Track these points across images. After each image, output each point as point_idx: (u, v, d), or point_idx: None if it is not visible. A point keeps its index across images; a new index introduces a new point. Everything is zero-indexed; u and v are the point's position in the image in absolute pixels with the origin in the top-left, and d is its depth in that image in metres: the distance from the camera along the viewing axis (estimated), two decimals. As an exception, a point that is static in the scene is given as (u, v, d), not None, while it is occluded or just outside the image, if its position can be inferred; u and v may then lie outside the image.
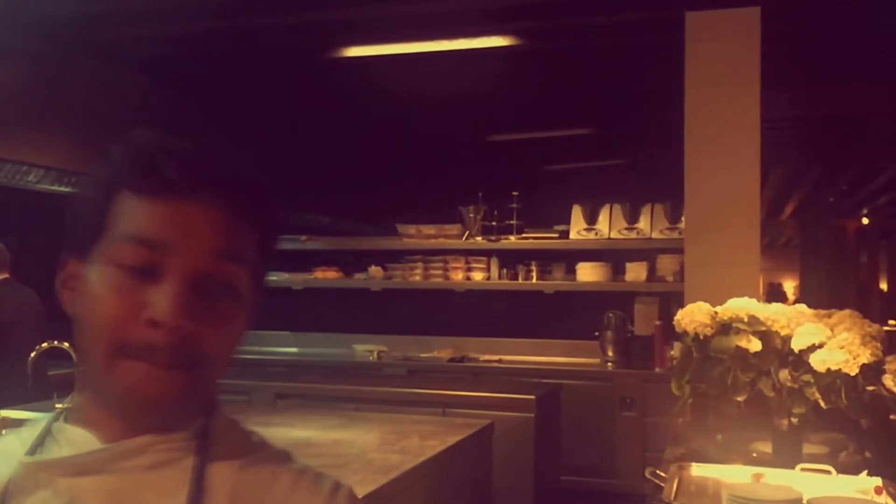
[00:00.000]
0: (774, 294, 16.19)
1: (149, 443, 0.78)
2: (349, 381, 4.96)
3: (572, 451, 5.04)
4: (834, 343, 2.33)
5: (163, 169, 0.77)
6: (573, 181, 8.62)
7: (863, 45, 5.37)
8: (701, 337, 2.52)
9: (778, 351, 2.44)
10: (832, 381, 2.31)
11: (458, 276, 6.04)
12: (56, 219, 0.93)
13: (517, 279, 5.98)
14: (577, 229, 5.80)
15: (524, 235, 5.94)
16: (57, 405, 2.47)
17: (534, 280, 5.94)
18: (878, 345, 2.34)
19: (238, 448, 0.84)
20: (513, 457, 4.09)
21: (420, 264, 6.13)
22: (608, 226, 5.74)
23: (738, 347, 2.44)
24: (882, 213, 15.57)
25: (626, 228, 5.70)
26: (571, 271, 5.88)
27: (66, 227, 0.82)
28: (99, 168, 0.81)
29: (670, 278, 5.49)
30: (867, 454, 2.42)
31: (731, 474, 2.26)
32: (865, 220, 16.27)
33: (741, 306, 2.54)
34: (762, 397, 2.44)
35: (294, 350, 6.38)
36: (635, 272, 5.69)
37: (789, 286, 19.19)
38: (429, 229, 6.10)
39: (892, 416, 2.40)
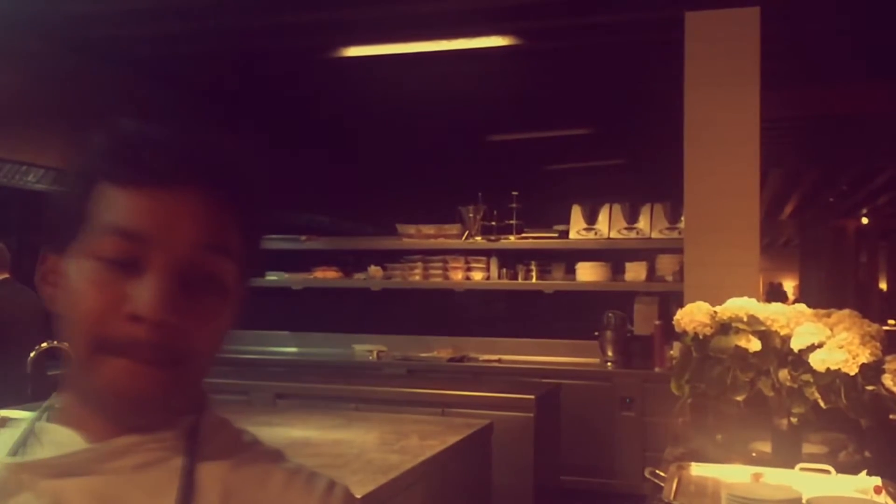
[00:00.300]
0: (775, 294, 16.20)
1: (136, 442, 0.76)
2: (349, 380, 4.96)
3: (572, 451, 5.04)
4: (833, 343, 2.33)
5: (142, 157, 0.74)
6: (573, 181, 8.62)
7: (862, 45, 5.38)
8: (700, 337, 2.52)
9: (777, 351, 2.44)
10: (831, 380, 2.31)
11: (458, 275, 6.04)
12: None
13: (517, 279, 5.98)
14: (577, 229, 5.80)
15: (524, 235, 5.94)
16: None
17: (533, 280, 5.94)
18: (878, 344, 2.34)
19: (229, 447, 0.81)
20: (512, 456, 4.09)
21: (420, 264, 6.13)
22: (608, 226, 5.74)
23: (737, 347, 2.44)
24: (881, 213, 15.58)
25: (626, 228, 5.70)
26: (571, 271, 5.88)
27: (44, 221, 0.79)
28: (76, 158, 0.79)
29: (670, 278, 5.49)
30: (866, 454, 2.42)
31: (730, 474, 2.26)
32: (865, 220, 16.28)
33: (741, 306, 2.54)
34: (762, 397, 2.44)
35: (294, 350, 6.37)
36: (635, 272, 5.69)
37: (789, 286, 19.20)
38: (428, 229, 6.10)
39: (891, 416, 2.39)
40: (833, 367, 2.29)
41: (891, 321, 11.51)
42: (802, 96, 6.19)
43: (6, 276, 4.65)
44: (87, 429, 0.76)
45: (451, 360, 5.77)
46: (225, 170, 0.78)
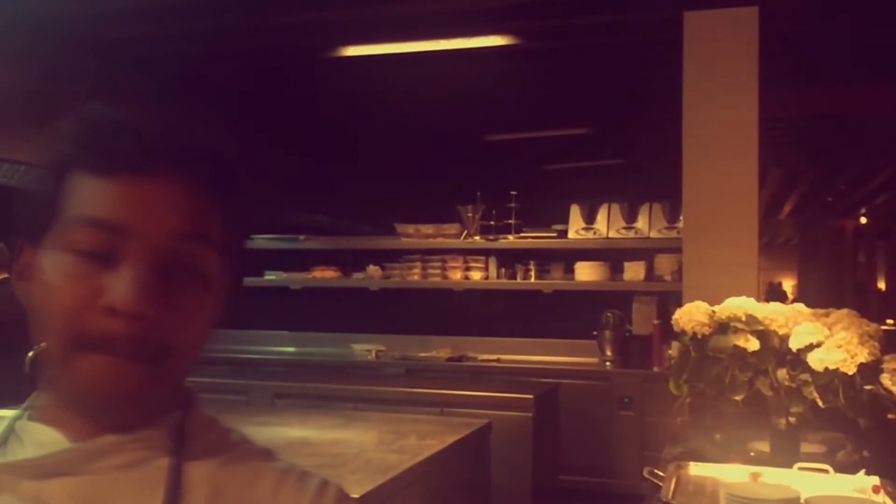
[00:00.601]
0: (774, 293, 16.20)
1: (120, 441, 0.73)
2: (347, 380, 4.97)
3: (570, 451, 5.04)
4: (832, 342, 2.33)
5: (113, 143, 0.71)
6: (571, 181, 8.63)
7: (861, 45, 5.38)
8: (699, 336, 2.52)
9: (776, 350, 2.45)
10: (830, 380, 2.32)
11: (457, 275, 6.04)
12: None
13: (515, 279, 5.98)
14: (576, 229, 5.80)
15: (522, 235, 5.94)
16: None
17: (532, 279, 5.94)
18: (876, 344, 2.34)
19: (217, 445, 0.79)
20: (511, 456, 4.09)
21: (418, 264, 6.13)
22: (606, 225, 5.74)
23: (736, 347, 2.44)
24: (880, 212, 15.59)
25: (625, 228, 5.70)
26: (570, 271, 5.88)
27: (18, 213, 0.77)
28: (49, 146, 0.75)
29: (668, 278, 5.49)
30: (865, 453, 2.43)
31: (728, 473, 2.26)
32: (864, 220, 16.29)
33: (739, 306, 2.54)
34: (760, 396, 2.45)
35: (292, 350, 6.37)
36: (633, 271, 5.69)
37: (787, 285, 19.21)
38: (427, 229, 6.10)
39: (889, 416, 2.39)
40: (831, 367, 2.29)
41: (889, 321, 11.53)
42: (801, 96, 6.19)
43: (6, 276, 4.65)
44: (69, 428, 0.73)
45: (449, 359, 5.77)
46: (202, 155, 0.75)
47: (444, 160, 8.18)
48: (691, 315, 2.54)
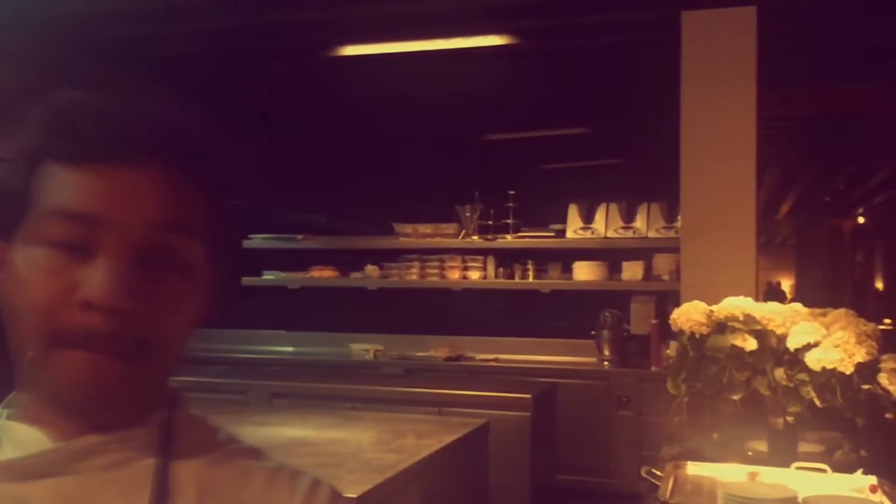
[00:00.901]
0: (773, 293, 16.21)
1: (105, 441, 0.71)
2: (345, 380, 4.96)
3: (568, 450, 5.04)
4: (829, 342, 2.33)
5: (84, 130, 0.67)
6: (569, 180, 8.63)
7: (859, 45, 5.38)
8: (697, 336, 2.52)
9: (773, 350, 2.45)
10: (827, 379, 2.32)
11: (455, 275, 6.04)
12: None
13: (514, 278, 5.98)
14: (574, 228, 5.80)
15: (520, 234, 5.94)
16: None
17: (530, 279, 5.94)
18: (874, 343, 2.34)
19: (204, 444, 0.77)
20: (509, 456, 4.09)
21: (416, 263, 6.13)
22: (604, 225, 5.74)
23: (733, 346, 2.44)
24: (878, 212, 15.61)
25: (623, 227, 5.70)
26: (568, 270, 5.88)
27: None
28: (19, 136, 0.72)
29: (666, 277, 5.50)
30: (862, 453, 2.43)
31: (726, 473, 2.27)
32: (861, 220, 16.31)
33: (737, 305, 2.55)
34: (758, 396, 2.45)
35: (290, 349, 6.37)
36: (632, 271, 5.69)
37: (785, 285, 19.22)
38: (425, 228, 6.10)
39: (887, 415, 2.40)
40: (829, 367, 2.29)
41: (887, 320, 11.54)
42: (799, 95, 6.19)
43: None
44: (51, 427, 0.71)
45: (447, 359, 5.77)
46: (180, 141, 0.71)
47: (442, 160, 8.17)
48: (689, 315, 2.55)
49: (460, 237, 6.00)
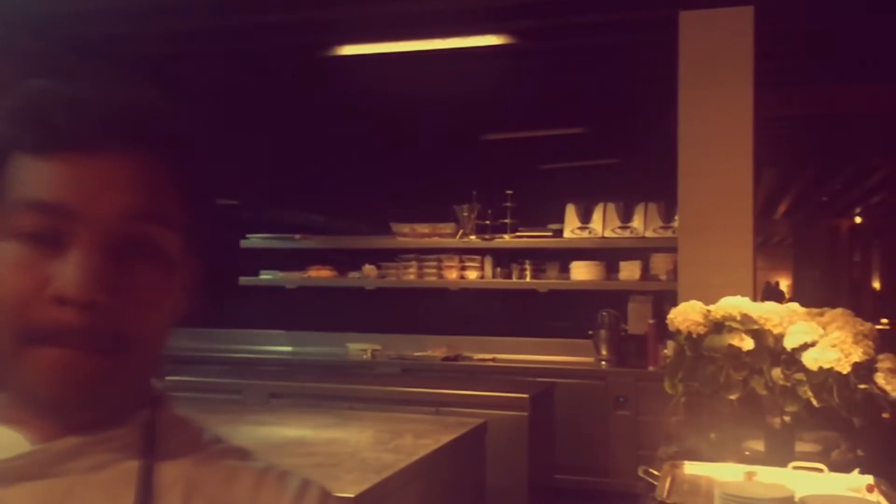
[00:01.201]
0: (771, 293, 16.21)
1: (86, 442, 0.68)
2: (343, 379, 4.96)
3: (566, 450, 5.04)
4: (826, 342, 2.33)
5: (54, 120, 0.65)
6: (567, 180, 8.61)
7: (856, 45, 5.39)
8: (694, 335, 2.52)
9: (770, 349, 2.45)
10: (824, 379, 2.32)
11: (453, 274, 6.04)
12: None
13: (511, 278, 5.99)
14: (571, 228, 5.81)
15: (518, 234, 5.95)
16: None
17: (528, 279, 5.94)
18: (871, 343, 2.35)
19: (189, 445, 0.75)
20: (506, 456, 4.09)
21: (414, 263, 6.13)
22: (602, 225, 5.74)
23: (730, 346, 2.45)
24: (875, 212, 15.63)
25: (620, 227, 5.71)
26: (565, 270, 5.89)
27: None
28: None
29: (664, 277, 5.50)
30: (859, 452, 2.43)
31: (723, 473, 2.27)
32: (858, 219, 16.33)
33: (734, 305, 2.55)
34: (755, 396, 2.45)
35: (288, 349, 6.37)
36: (629, 271, 5.70)
37: (783, 285, 19.24)
38: (423, 228, 6.10)
39: (883, 415, 2.40)
40: (826, 366, 2.30)
41: (884, 320, 11.54)
42: (796, 95, 6.20)
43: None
44: (30, 429, 0.68)
45: (445, 359, 5.77)
46: (153, 129, 0.69)
47: (439, 159, 8.17)
48: (686, 314, 2.55)
49: (458, 237, 6.00)
